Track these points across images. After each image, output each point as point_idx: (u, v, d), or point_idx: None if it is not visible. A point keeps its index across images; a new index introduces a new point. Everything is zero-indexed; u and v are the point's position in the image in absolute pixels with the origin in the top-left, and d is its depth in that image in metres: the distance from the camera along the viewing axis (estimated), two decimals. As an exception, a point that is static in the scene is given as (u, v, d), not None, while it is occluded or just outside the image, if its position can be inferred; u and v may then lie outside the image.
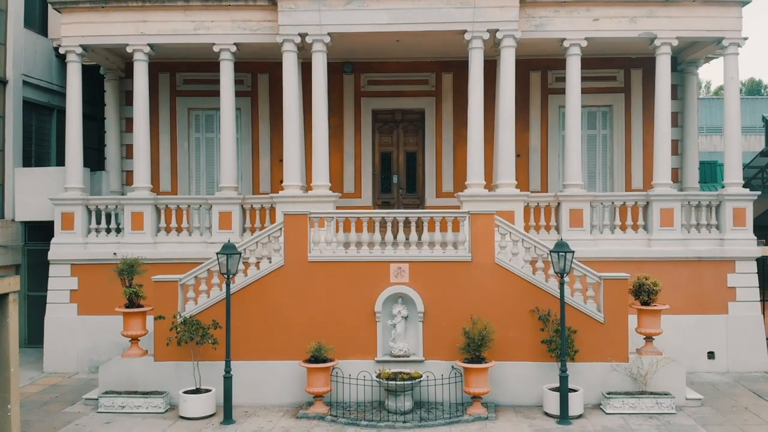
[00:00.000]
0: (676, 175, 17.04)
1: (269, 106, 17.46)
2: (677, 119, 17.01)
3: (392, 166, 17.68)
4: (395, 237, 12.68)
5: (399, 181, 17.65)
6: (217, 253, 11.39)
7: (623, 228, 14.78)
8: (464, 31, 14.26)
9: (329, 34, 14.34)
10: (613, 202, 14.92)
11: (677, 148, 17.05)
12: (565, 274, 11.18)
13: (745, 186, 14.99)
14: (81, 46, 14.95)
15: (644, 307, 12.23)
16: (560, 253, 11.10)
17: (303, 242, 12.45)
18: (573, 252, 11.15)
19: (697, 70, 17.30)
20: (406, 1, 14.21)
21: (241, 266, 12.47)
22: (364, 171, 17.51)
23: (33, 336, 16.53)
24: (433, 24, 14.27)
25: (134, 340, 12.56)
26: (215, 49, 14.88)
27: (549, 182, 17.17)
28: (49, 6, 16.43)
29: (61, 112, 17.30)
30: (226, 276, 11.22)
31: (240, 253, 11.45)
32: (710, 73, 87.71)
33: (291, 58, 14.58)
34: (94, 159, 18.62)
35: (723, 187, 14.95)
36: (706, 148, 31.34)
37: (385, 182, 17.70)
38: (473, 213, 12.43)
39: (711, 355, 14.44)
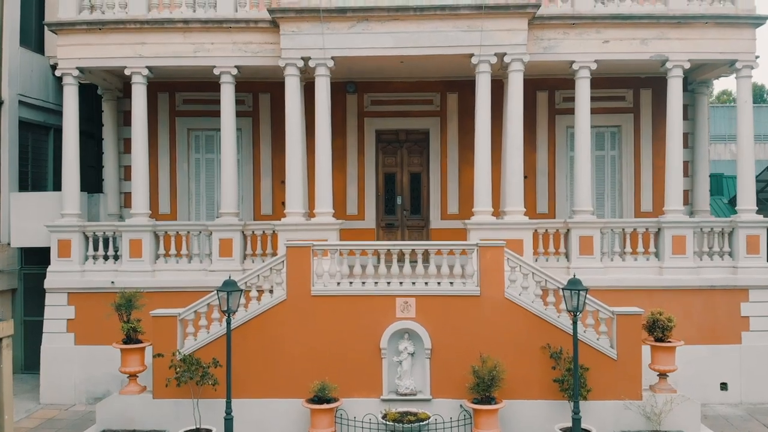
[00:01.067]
0: (687, 197, 16.64)
1: (271, 126, 17.07)
2: (688, 140, 16.65)
3: (396, 188, 17.28)
4: (401, 270, 12.26)
5: (403, 202, 17.26)
6: (217, 290, 11.01)
7: (634, 255, 14.40)
8: (471, 55, 13.86)
9: (333, 57, 13.95)
10: (623, 229, 14.51)
11: (687, 169, 16.67)
12: (578, 313, 10.80)
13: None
14: (78, 68, 14.57)
15: (658, 344, 11.85)
16: (573, 291, 10.71)
17: (306, 276, 12.08)
18: (587, 290, 10.76)
19: (708, 90, 16.95)
20: (411, 24, 13.80)
21: (242, 300, 12.09)
22: (367, 192, 17.09)
23: (29, 362, 16.13)
24: (439, 48, 13.85)
25: (132, 376, 12.20)
26: (216, 72, 14.50)
27: (557, 204, 16.78)
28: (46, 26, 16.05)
29: (58, 131, 16.89)
30: (226, 314, 10.85)
31: (241, 290, 11.08)
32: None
33: (293, 83, 14.19)
34: (93, 177, 18.23)
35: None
36: (710, 157, 30.89)
37: (389, 204, 17.29)
38: (482, 246, 12.06)
39: (724, 386, 14.09)
